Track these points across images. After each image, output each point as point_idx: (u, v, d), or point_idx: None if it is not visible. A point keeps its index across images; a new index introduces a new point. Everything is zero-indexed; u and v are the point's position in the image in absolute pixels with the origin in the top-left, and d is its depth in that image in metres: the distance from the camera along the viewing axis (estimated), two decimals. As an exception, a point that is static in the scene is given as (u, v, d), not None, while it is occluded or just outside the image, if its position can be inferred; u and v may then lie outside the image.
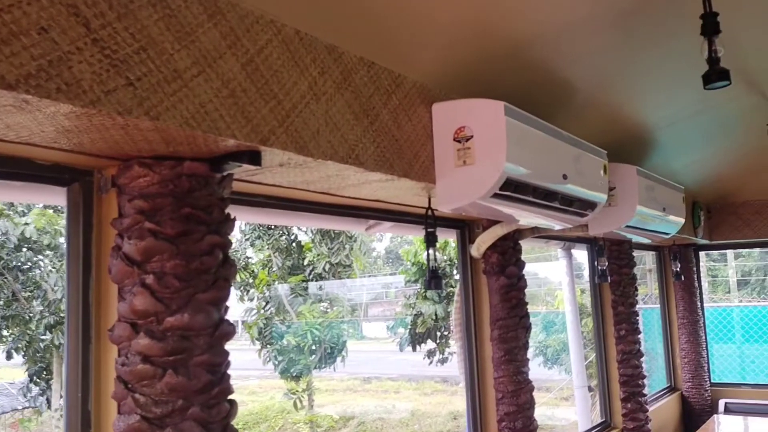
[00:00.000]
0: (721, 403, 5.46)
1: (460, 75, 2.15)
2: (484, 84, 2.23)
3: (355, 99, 1.77)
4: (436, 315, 10.55)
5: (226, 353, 1.52)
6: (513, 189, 2.15)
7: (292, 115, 1.55)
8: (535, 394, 3.02)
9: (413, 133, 1.99)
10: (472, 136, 2.02)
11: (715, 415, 5.22)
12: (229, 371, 1.52)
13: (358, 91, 1.78)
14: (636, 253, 4.56)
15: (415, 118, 2.00)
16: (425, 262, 2.57)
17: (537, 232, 3.19)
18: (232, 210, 1.61)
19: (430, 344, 11.26)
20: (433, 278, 2.25)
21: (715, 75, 1.95)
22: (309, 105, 1.60)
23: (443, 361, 11.48)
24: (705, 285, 11.52)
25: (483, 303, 3.07)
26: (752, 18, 2.71)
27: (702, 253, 11.30)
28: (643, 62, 2.77)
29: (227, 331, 1.50)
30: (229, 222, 1.57)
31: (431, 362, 11.61)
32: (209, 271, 1.47)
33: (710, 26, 1.96)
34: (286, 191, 2.05)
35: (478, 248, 2.98)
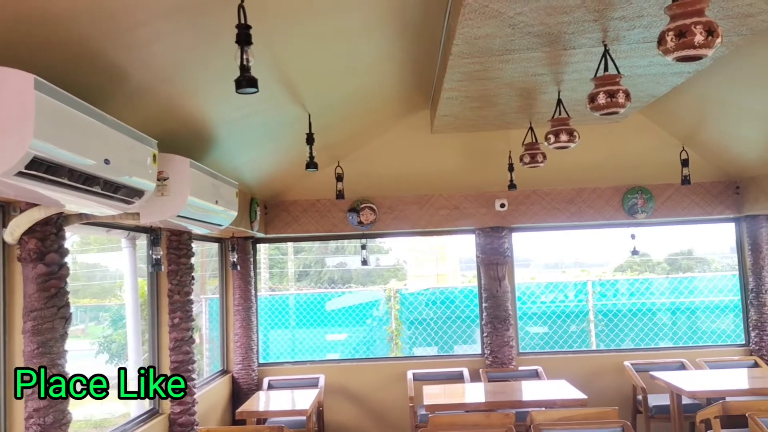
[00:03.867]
0: (266, 380, 6.07)
1: (-16, 37, 1.93)
2: (15, 53, 2.04)
3: None
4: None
5: None
6: (45, 170, 2.03)
7: None
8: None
9: None
10: (-7, 107, 1.83)
11: (259, 392, 5.79)
12: None
13: None
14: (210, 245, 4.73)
15: None
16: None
17: (85, 218, 3.06)
18: None
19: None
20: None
21: (245, 82, 2.18)
22: None
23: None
24: (267, 275, 12.59)
25: (16, 293, 2.81)
26: (295, 42, 3.10)
27: (267, 246, 12.37)
28: (201, 58, 2.91)
29: None
30: None
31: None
32: None
33: (243, 36, 2.18)
34: None
35: (12, 233, 2.71)
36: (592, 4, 2.72)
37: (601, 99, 3.11)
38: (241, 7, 2.20)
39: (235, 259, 5.76)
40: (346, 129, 5.45)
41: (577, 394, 4.84)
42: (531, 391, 5.27)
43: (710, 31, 2.14)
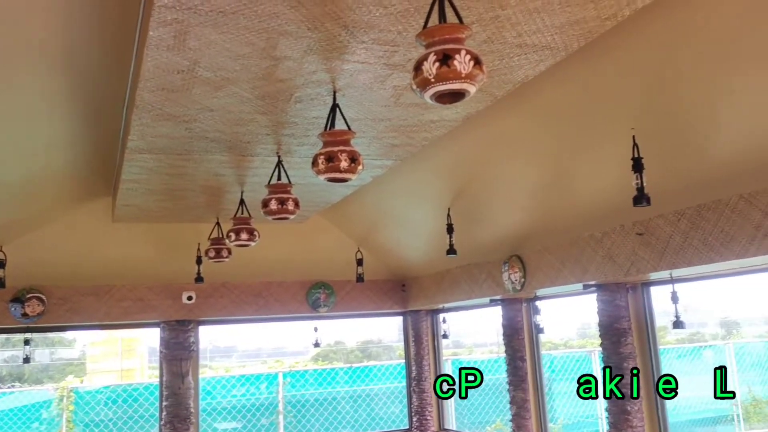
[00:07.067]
0: None
1: None
2: None
3: None
4: None
5: None
6: None
7: None
8: None
9: None
10: None
11: None
12: None
13: None
14: None
15: None
16: None
17: None
18: None
19: None
20: None
21: None
22: None
23: None
24: None
25: None
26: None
27: None
28: None
29: None
30: None
31: None
32: None
33: None
34: None
35: None
36: (263, 121, 2.94)
37: (273, 205, 3.32)
38: None
39: None
40: (11, 211, 4.90)
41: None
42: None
43: (353, 159, 2.46)
